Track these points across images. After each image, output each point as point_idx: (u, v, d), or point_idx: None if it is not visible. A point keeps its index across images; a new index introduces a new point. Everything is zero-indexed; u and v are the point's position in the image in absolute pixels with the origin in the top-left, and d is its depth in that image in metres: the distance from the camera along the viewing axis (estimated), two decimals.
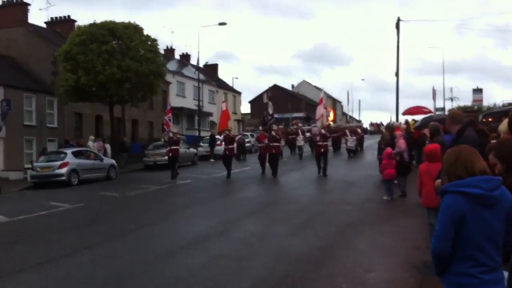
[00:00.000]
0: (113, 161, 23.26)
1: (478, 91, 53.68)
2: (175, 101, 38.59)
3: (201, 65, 44.78)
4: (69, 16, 35.51)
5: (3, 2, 31.29)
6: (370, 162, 21.34)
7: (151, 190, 17.17)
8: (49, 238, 9.67)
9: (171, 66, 43.10)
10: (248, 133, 35.98)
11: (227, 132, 21.18)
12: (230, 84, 58.56)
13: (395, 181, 12.77)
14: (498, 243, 2.85)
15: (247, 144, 31.02)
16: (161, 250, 8.18)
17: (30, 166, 23.07)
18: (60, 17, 35.63)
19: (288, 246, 8.16)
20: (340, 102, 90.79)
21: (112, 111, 27.01)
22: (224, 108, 23.78)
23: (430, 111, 30.66)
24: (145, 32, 26.80)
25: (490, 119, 15.89)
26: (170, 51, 48.80)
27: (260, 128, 22.13)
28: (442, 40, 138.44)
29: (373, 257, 7.39)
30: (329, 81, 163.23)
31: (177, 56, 51.05)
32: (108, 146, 26.18)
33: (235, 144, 22.11)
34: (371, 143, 32.38)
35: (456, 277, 2.85)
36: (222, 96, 47.98)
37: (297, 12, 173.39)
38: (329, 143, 21.82)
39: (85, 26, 25.74)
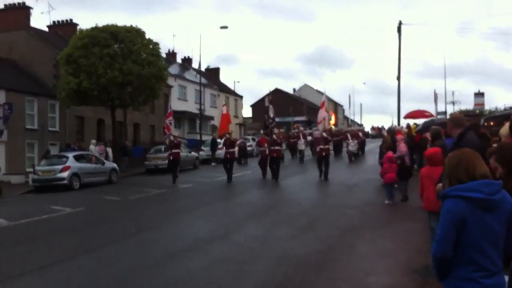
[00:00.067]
0: (115, 165, 23.27)
1: (479, 94, 53.70)
2: (176, 104, 38.64)
3: (202, 68, 44.86)
4: (71, 19, 35.53)
5: (5, 5, 31.44)
6: (371, 166, 21.31)
7: (153, 194, 17.18)
8: (50, 242, 9.68)
9: (173, 69, 43.18)
10: (250, 137, 35.98)
11: (227, 135, 21.18)
12: (232, 88, 58.64)
13: (396, 185, 12.75)
14: (499, 246, 2.86)
15: (248, 148, 31.02)
16: (162, 253, 8.18)
17: (31, 169, 23.09)
18: (62, 20, 35.70)
19: (289, 250, 8.15)
20: (341, 106, 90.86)
21: (114, 114, 27.04)
22: (224, 111, 23.80)
23: (431, 115, 30.75)
24: (147, 36, 26.89)
25: (491, 123, 15.85)
26: (172, 55, 48.90)
27: (261, 131, 22.12)
28: (443, 43, 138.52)
29: (374, 261, 7.38)
30: (330, 84, 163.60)
31: (178, 60, 51.16)
32: (109, 150, 26.19)
33: (236, 148, 22.09)
34: (372, 147, 32.36)
35: (458, 282, 2.85)
36: (223, 100, 48.03)
37: (298, 14, 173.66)
38: (331, 146, 21.81)
39: (87, 30, 25.82)
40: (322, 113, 22.10)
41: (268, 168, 19.64)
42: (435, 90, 46.48)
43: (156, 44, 26.96)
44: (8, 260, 8.30)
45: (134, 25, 26.54)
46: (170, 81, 37.42)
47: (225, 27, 37.04)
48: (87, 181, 20.64)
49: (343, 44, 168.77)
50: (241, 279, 6.64)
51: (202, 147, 32.14)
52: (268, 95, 28.75)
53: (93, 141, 26.26)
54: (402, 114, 34.60)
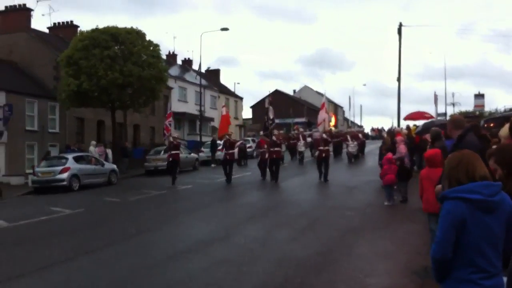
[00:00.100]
0: (114, 166, 23.28)
1: (480, 96, 53.68)
2: (177, 106, 38.66)
3: (203, 70, 44.88)
4: (71, 21, 35.54)
5: (6, 7, 31.45)
6: (371, 167, 21.32)
7: (152, 195, 17.17)
8: (49, 243, 9.67)
9: (173, 71, 43.21)
10: (250, 138, 35.98)
11: (227, 136, 21.18)
12: (232, 89, 58.68)
13: (395, 187, 12.75)
14: (498, 247, 2.86)
15: (248, 149, 31.02)
16: (162, 255, 8.18)
17: (31, 171, 23.08)
18: (63, 22, 35.71)
19: (289, 251, 8.15)
20: (341, 107, 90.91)
21: (114, 116, 27.05)
22: (224, 112, 23.80)
23: (431, 117, 30.71)
24: (148, 38, 26.91)
25: (491, 125, 15.85)
26: (172, 57, 48.95)
27: (261, 133, 22.12)
28: (444, 45, 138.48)
29: (374, 262, 7.38)
30: (330, 86, 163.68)
31: (179, 62, 51.20)
32: (109, 151, 26.19)
33: (236, 149, 22.09)
34: (372, 148, 32.38)
35: (457, 283, 2.85)
36: (223, 101, 48.05)
37: (299, 16, 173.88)
38: (331, 148, 21.81)
39: (87, 31, 25.82)
40: (322, 115, 22.13)
41: (267, 169, 19.64)
42: (435, 92, 46.51)
43: (157, 45, 26.98)
44: (8, 261, 8.30)
45: (134, 27, 26.60)
46: (171, 82, 37.44)
47: (226, 29, 37.07)
48: (87, 183, 20.65)
49: (343, 46, 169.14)
50: (241, 281, 6.64)
51: (202, 149, 32.14)
52: (268, 96, 28.76)
53: (93, 142, 26.27)
54: (402, 115, 34.66)
